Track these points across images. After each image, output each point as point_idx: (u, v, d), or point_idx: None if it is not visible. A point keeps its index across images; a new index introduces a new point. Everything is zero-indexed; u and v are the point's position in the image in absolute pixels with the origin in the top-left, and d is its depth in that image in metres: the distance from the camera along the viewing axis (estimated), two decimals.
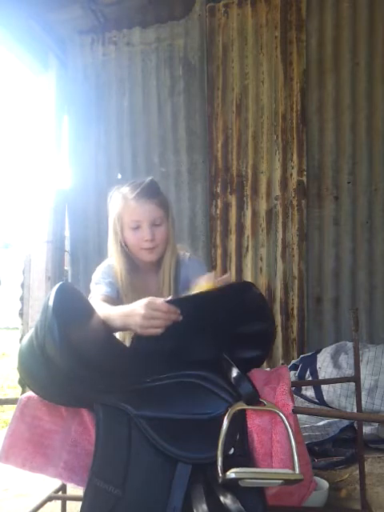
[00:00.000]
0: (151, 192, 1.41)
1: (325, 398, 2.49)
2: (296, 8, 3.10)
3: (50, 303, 0.93)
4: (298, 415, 1.01)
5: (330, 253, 3.05)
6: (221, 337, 1.07)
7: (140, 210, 1.38)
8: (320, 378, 2.54)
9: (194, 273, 1.39)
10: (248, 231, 3.18)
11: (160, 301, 1.03)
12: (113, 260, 1.48)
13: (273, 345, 1.17)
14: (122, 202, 1.40)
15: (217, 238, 3.24)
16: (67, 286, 1.03)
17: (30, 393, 1.04)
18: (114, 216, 1.42)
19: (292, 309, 3.07)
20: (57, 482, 1.58)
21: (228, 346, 1.06)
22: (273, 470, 0.86)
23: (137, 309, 1.03)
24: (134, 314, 1.03)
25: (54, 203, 3.54)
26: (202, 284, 1.33)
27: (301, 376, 2.65)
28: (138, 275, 1.47)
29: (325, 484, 1.70)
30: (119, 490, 0.82)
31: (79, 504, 0.86)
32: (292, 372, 2.68)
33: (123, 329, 1.14)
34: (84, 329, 1.02)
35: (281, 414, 0.90)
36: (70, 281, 3.51)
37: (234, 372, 0.98)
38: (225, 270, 3.19)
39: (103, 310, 1.20)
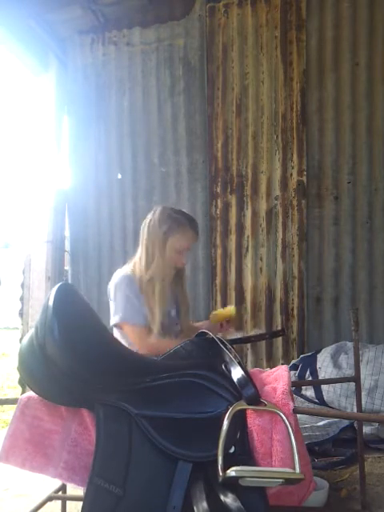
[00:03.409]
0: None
1: (325, 398, 2.49)
2: (296, 8, 3.10)
3: (51, 303, 0.93)
4: (298, 415, 1.01)
5: (330, 253, 3.05)
6: None
7: (191, 241, 1.73)
8: (320, 377, 2.54)
9: None
10: (248, 231, 3.17)
11: None
12: (128, 267, 1.71)
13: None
14: (179, 227, 1.67)
15: (217, 238, 3.24)
16: (67, 286, 1.04)
17: (30, 393, 1.05)
18: (163, 232, 1.65)
19: (292, 309, 3.06)
20: (57, 482, 1.58)
21: None
22: (274, 469, 0.86)
23: None
24: None
25: (54, 203, 3.54)
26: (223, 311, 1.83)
27: (301, 376, 2.65)
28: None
29: (325, 484, 1.70)
30: (120, 489, 0.82)
31: (79, 504, 0.86)
32: (292, 372, 2.68)
33: None
34: (84, 328, 1.02)
35: (281, 414, 0.90)
36: (70, 281, 3.51)
37: (237, 373, 0.97)
38: (225, 271, 3.20)
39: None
